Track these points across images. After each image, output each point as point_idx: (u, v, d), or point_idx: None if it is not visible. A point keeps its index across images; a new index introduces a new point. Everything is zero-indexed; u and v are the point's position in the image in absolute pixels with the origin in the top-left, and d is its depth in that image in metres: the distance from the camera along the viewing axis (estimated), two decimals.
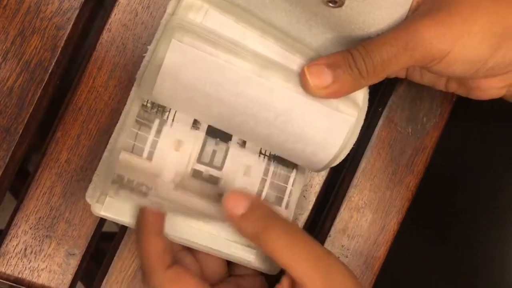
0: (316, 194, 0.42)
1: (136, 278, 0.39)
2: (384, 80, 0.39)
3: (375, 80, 0.32)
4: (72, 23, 0.36)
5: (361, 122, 0.35)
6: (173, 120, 0.36)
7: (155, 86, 0.32)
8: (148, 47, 0.34)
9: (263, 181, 0.38)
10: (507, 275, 0.42)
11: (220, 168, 0.37)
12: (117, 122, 0.37)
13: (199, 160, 0.36)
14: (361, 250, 0.42)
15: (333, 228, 0.42)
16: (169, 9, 0.33)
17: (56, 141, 0.38)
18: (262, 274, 0.38)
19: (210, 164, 0.37)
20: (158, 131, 0.35)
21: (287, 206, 0.38)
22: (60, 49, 0.36)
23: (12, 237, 0.38)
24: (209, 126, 0.37)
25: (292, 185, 0.39)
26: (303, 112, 0.33)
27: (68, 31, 0.36)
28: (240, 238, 0.36)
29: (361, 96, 0.35)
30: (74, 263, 0.39)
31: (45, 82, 0.36)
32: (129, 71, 0.37)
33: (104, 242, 0.44)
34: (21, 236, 0.38)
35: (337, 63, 0.31)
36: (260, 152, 0.38)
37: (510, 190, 0.44)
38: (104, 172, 0.36)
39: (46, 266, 0.38)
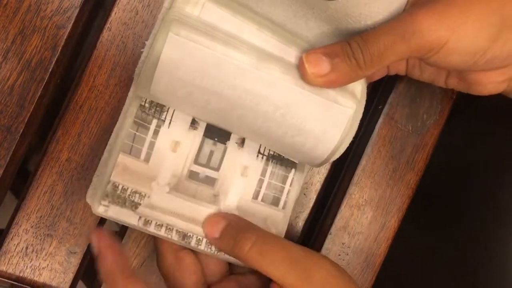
0: (317, 192, 0.43)
1: None
2: (384, 78, 0.40)
3: (372, 70, 0.32)
4: (72, 22, 0.36)
5: (360, 115, 0.34)
6: (170, 120, 0.36)
7: (153, 80, 0.32)
8: (146, 42, 0.34)
9: (261, 181, 0.38)
10: (507, 275, 0.43)
11: (217, 169, 0.37)
12: (117, 121, 0.37)
13: (196, 161, 0.36)
14: (361, 248, 0.42)
15: (333, 226, 0.42)
16: (166, 3, 0.33)
17: (57, 140, 0.38)
18: None
19: (207, 165, 0.37)
20: (156, 132, 0.35)
21: (284, 206, 0.38)
22: (60, 48, 0.36)
23: (13, 236, 0.38)
24: (207, 126, 0.37)
25: (290, 185, 0.38)
26: (301, 104, 0.33)
27: (68, 30, 0.36)
28: None
29: (359, 88, 0.35)
30: (75, 261, 0.39)
31: (45, 81, 0.36)
32: (130, 70, 0.37)
33: None
34: (22, 235, 0.38)
35: (335, 53, 0.32)
36: (259, 152, 0.38)
37: (510, 190, 0.44)
38: (99, 181, 0.36)
39: (48, 265, 0.38)
